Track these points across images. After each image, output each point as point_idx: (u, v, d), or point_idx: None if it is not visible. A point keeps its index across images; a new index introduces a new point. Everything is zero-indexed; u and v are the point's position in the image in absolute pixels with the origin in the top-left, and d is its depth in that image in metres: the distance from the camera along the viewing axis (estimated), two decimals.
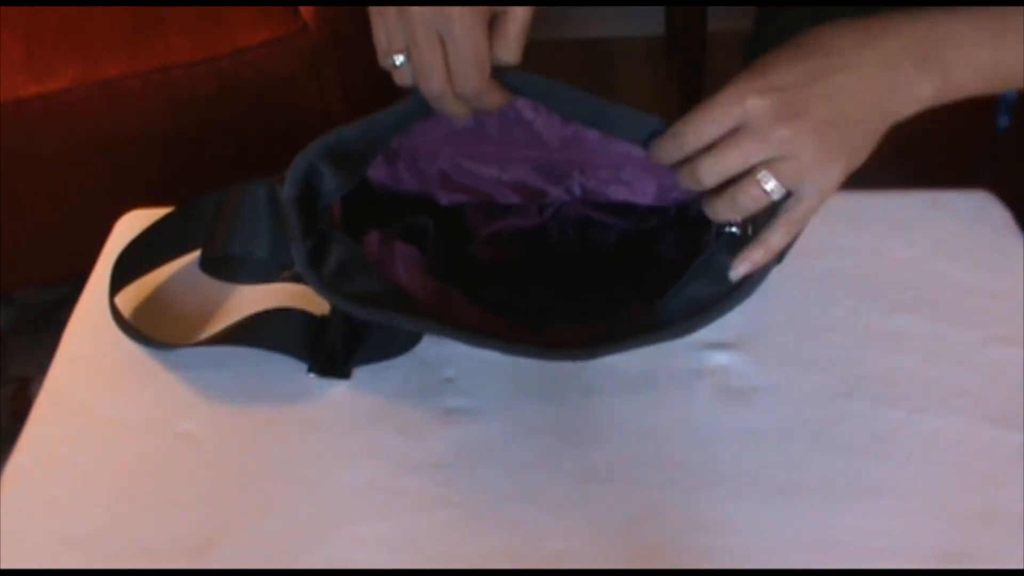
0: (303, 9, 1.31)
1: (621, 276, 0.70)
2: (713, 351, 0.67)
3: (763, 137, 0.54)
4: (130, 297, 0.72)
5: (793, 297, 0.70)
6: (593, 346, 0.62)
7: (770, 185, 0.55)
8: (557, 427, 0.63)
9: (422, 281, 0.66)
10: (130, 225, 0.74)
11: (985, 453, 0.60)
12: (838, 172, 0.56)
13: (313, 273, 0.62)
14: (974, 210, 0.75)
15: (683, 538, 0.57)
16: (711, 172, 0.56)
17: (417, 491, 0.60)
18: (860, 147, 0.57)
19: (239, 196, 0.66)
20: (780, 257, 0.61)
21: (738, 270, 0.59)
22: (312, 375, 0.66)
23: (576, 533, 0.58)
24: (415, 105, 0.61)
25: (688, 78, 1.85)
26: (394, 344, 0.67)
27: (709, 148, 0.56)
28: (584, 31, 2.04)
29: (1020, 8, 0.56)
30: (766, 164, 0.55)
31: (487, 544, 0.57)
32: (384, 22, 0.57)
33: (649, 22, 1.99)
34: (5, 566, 0.57)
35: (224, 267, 0.69)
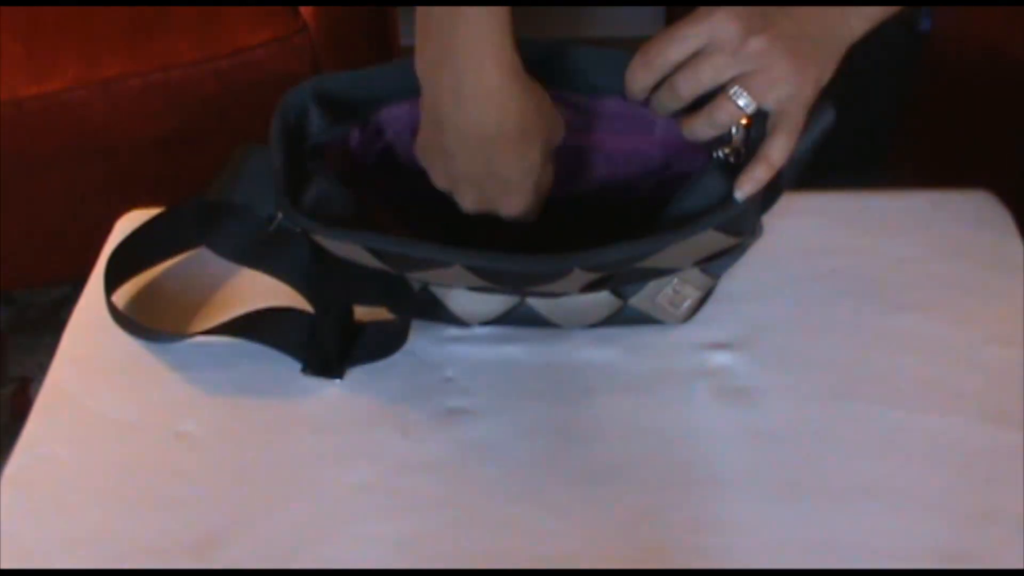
0: (303, 9, 1.31)
1: (610, 226, 0.68)
2: (713, 351, 0.67)
3: (733, 51, 0.56)
4: (130, 295, 0.72)
5: (793, 297, 0.70)
6: (586, 248, 0.58)
7: (742, 100, 0.57)
8: (557, 427, 0.63)
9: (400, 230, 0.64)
10: (130, 225, 0.74)
11: (985, 453, 0.60)
12: (811, 82, 0.57)
13: (289, 203, 0.60)
14: (974, 210, 0.75)
15: (683, 538, 0.57)
16: (686, 86, 0.57)
17: (417, 491, 0.60)
18: (825, 62, 0.58)
19: (241, 153, 0.65)
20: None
21: (744, 189, 0.58)
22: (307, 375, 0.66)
23: (576, 533, 0.58)
24: (410, 64, 0.61)
25: None
26: (387, 343, 0.67)
27: (683, 67, 0.58)
28: (584, 31, 2.04)
29: None
30: (738, 79, 0.57)
31: (487, 544, 0.57)
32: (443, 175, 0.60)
33: (649, 22, 1.99)
34: (5, 566, 0.57)
35: (215, 221, 0.68)
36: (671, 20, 2.26)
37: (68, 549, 0.58)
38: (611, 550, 0.57)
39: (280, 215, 0.61)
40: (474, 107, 0.56)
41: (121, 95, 1.26)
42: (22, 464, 0.63)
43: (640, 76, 0.59)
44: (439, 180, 0.61)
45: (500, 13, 0.54)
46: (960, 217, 0.75)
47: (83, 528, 0.59)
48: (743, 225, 0.60)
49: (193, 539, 0.58)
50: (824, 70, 0.58)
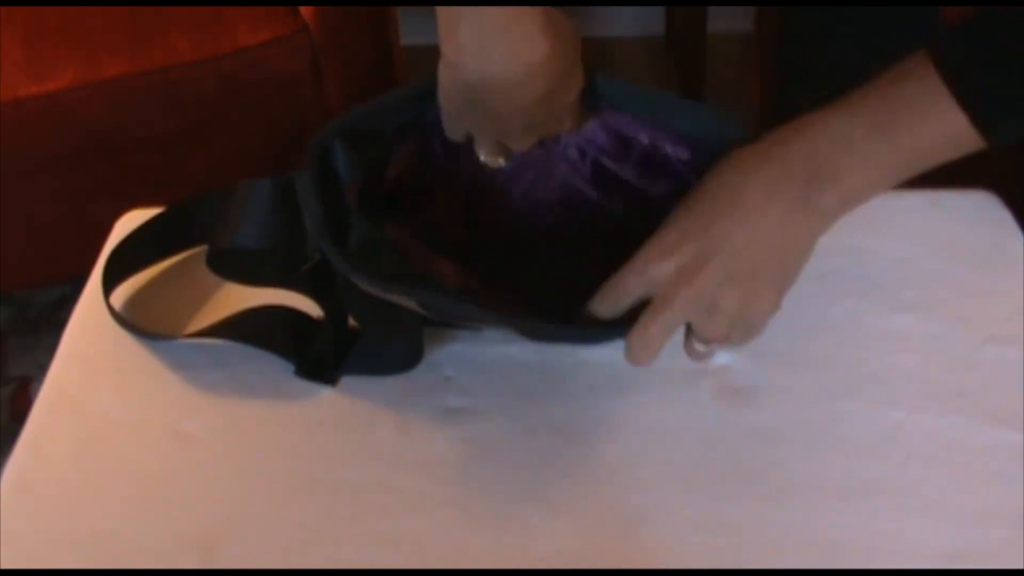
0: (303, 9, 1.31)
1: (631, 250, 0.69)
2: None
3: (671, 304, 0.56)
4: (129, 295, 0.73)
5: (793, 297, 0.70)
6: (622, 324, 0.60)
7: (702, 349, 0.59)
8: (557, 427, 0.63)
9: (440, 267, 0.65)
10: (130, 225, 0.74)
11: (985, 453, 0.60)
12: (760, 303, 0.58)
13: (337, 252, 0.60)
14: (974, 210, 0.75)
15: (683, 538, 0.57)
16: (642, 351, 0.57)
17: (417, 490, 0.60)
18: (780, 277, 0.59)
19: (246, 190, 0.65)
20: None
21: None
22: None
23: (576, 533, 0.58)
24: (426, 86, 0.62)
25: (688, 78, 1.85)
26: (386, 360, 0.66)
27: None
28: (584, 31, 2.04)
29: (917, 95, 0.55)
30: (693, 327, 0.58)
31: (487, 544, 0.57)
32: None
33: (649, 22, 1.99)
34: (6, 566, 0.57)
35: (233, 264, 0.68)
36: (671, 20, 2.25)
37: (68, 549, 0.58)
38: (611, 550, 0.57)
39: (317, 257, 0.62)
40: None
41: (121, 95, 1.26)
42: (22, 464, 0.63)
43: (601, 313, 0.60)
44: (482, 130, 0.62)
45: None
46: (960, 217, 0.75)
47: (83, 528, 0.59)
48: None
49: (193, 539, 0.58)
50: (781, 283, 0.59)
